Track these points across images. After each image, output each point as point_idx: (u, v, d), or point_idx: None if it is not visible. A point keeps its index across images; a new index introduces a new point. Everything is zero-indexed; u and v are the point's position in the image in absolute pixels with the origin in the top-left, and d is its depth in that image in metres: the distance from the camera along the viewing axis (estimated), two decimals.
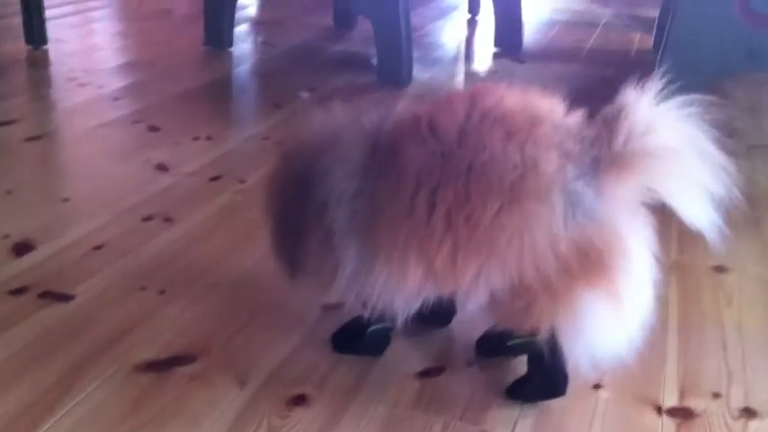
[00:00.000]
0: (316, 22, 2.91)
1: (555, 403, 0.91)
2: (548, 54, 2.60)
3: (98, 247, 1.23)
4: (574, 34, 2.92)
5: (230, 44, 2.46)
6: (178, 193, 1.43)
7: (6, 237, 1.24)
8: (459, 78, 2.31)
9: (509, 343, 0.92)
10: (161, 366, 0.95)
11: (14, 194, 1.40)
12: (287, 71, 2.27)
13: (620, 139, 0.78)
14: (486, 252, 0.78)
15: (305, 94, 2.06)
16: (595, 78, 2.27)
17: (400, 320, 0.85)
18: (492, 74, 2.33)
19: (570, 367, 0.86)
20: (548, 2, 3.49)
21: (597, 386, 0.95)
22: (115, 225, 1.30)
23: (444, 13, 3.19)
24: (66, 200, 1.38)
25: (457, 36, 2.84)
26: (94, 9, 3.03)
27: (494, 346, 0.96)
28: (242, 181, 1.50)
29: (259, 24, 2.90)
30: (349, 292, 0.86)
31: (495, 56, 2.55)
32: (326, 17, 2.90)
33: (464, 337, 1.02)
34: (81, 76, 2.10)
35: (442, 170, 0.79)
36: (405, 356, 0.99)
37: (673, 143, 0.79)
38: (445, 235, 0.78)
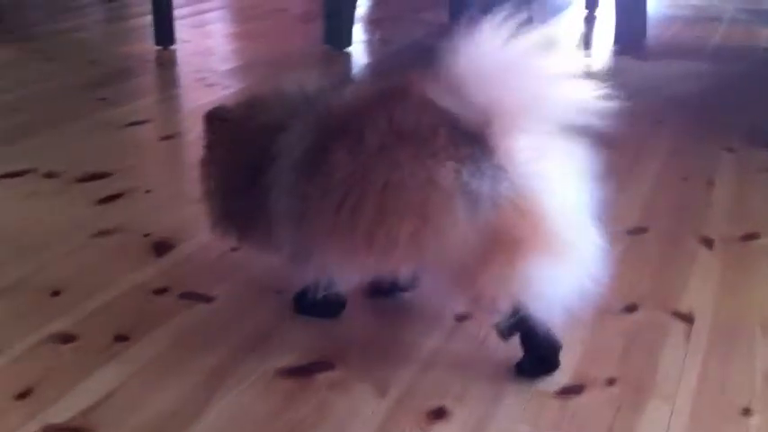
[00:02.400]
0: (431, 18, 2.91)
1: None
2: (670, 51, 2.52)
3: (235, 249, 1.26)
4: (696, 30, 2.82)
5: (349, 43, 2.48)
6: None
7: (147, 235, 1.29)
8: None
9: (496, 324, 0.95)
10: (301, 372, 0.97)
11: (153, 194, 1.46)
12: (406, 69, 2.27)
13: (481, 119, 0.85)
14: (409, 259, 0.89)
15: None
16: (725, 77, 2.18)
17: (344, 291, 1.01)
18: (612, 72, 2.28)
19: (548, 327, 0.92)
20: None
21: (746, 411, 0.91)
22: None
23: (559, 9, 3.14)
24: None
25: (574, 33, 2.79)
26: (210, 10, 3.11)
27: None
28: None
29: (374, 22, 2.92)
30: (290, 266, 0.99)
31: (615, 53, 2.49)
32: (441, 13, 2.89)
33: (601, 351, 1.01)
34: (208, 76, 2.16)
35: (363, 182, 0.87)
36: None
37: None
38: (370, 248, 0.87)
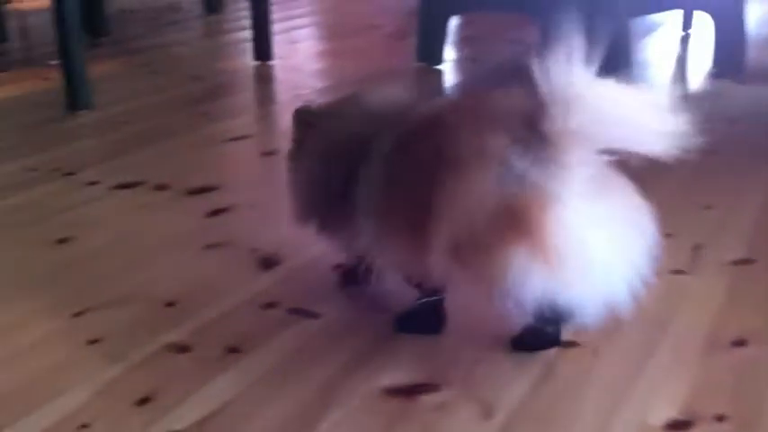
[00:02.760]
0: (521, 37, 2.91)
1: None
2: None
3: (337, 267, 1.29)
4: None
5: (441, 61, 2.51)
6: None
7: (254, 251, 1.34)
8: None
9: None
10: (407, 393, 0.99)
11: (258, 209, 1.50)
12: (496, 88, 2.29)
13: (553, 118, 0.88)
14: (440, 214, 0.93)
15: None
16: None
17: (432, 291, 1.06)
18: (709, 97, 2.24)
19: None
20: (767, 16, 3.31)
21: None
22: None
23: (651, 29, 3.10)
24: None
25: (669, 54, 2.75)
26: (302, 26, 3.18)
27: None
28: None
29: (464, 40, 2.93)
30: (367, 259, 1.05)
31: (713, 76, 2.45)
32: (531, 33, 2.88)
33: (710, 386, 1.00)
34: (305, 92, 2.21)
35: (433, 176, 0.94)
36: (643, 403, 0.97)
37: (593, 97, 0.89)
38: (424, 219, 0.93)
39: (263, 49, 2.47)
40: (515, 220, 0.89)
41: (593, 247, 0.90)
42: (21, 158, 1.70)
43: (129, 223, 1.42)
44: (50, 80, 2.25)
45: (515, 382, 1.01)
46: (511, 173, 0.89)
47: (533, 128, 0.90)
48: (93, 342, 1.08)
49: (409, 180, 0.99)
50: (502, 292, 0.92)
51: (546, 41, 2.84)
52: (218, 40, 2.89)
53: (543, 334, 1.05)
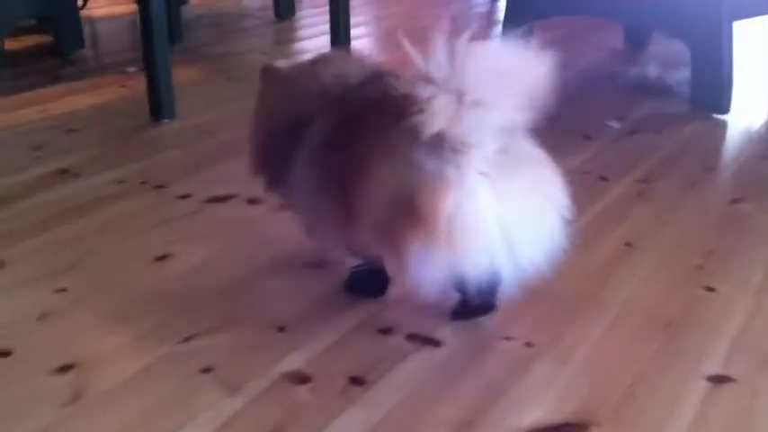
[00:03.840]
0: (603, 42, 2.81)
1: None
2: None
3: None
4: None
5: None
6: None
7: None
8: None
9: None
10: None
11: None
12: (584, 96, 2.20)
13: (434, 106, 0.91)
14: (354, 209, 0.99)
15: (615, 124, 1.97)
16: None
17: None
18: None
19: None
20: None
21: None
22: None
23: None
24: None
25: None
26: (360, 36, 3.11)
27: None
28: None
29: (548, 45, 2.83)
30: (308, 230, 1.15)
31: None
32: (613, 37, 2.78)
33: None
34: None
35: (353, 162, 0.99)
36: None
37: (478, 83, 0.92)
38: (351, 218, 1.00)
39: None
40: (410, 209, 0.93)
41: (498, 223, 0.94)
42: (107, 170, 1.65)
43: (226, 239, 1.36)
44: (129, 88, 2.21)
45: (667, 424, 0.92)
46: (409, 164, 0.94)
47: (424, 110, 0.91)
48: (207, 371, 1.02)
49: (336, 163, 1.02)
50: (413, 273, 0.97)
51: (630, 44, 2.76)
52: (292, 46, 2.84)
53: (472, 305, 1.09)
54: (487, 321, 1.12)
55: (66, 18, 2.55)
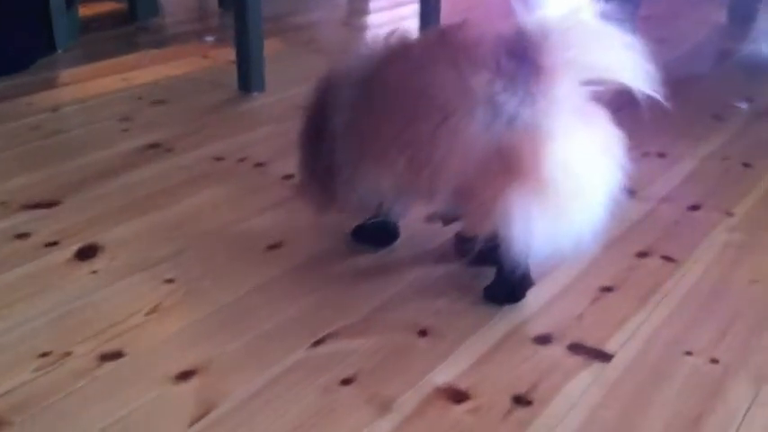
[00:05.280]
0: (705, 17, 2.62)
1: None
2: None
3: (606, 289, 1.07)
4: None
5: None
6: (662, 225, 1.25)
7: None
8: None
9: (478, 248, 0.97)
10: None
11: None
12: (701, 74, 2.02)
13: (539, 46, 0.88)
14: (430, 163, 0.91)
15: (743, 105, 1.80)
16: None
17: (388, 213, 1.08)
18: None
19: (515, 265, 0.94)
20: None
21: None
22: (609, 262, 1.13)
23: None
24: None
25: None
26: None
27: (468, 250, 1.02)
28: (729, 213, 1.29)
29: (647, 19, 2.65)
30: (344, 194, 1.05)
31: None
32: (716, 12, 2.59)
33: None
34: None
35: (401, 92, 0.95)
36: None
37: (585, 30, 0.90)
38: (401, 151, 0.94)
39: (431, 24, 2.25)
40: (509, 163, 0.88)
41: (585, 180, 0.90)
42: (202, 146, 1.52)
43: (342, 226, 1.22)
44: (211, 58, 2.08)
45: None
46: (498, 113, 0.88)
47: (518, 59, 0.89)
48: (348, 382, 0.88)
49: (383, 111, 0.97)
50: (509, 230, 0.90)
51: (734, 20, 2.56)
52: (372, 16, 2.69)
53: (512, 281, 1.00)
54: (655, 330, 0.97)
55: None
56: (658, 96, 0.89)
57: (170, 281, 1.08)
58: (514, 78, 0.89)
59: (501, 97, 0.88)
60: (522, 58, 0.89)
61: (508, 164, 0.88)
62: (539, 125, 0.88)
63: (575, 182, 0.89)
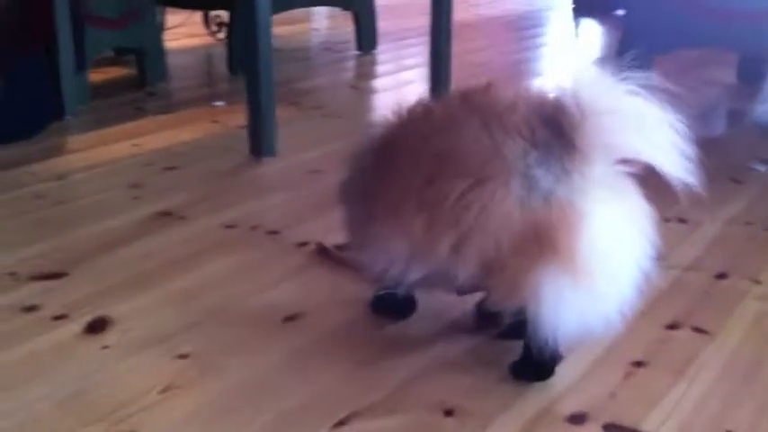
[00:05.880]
0: (717, 77, 2.62)
1: None
2: None
3: (638, 363, 1.03)
4: None
5: None
6: (690, 295, 1.21)
7: None
8: None
9: (505, 322, 0.98)
10: None
11: None
12: (717, 137, 2.00)
13: (577, 126, 0.86)
14: (455, 228, 0.87)
15: (761, 167, 1.77)
16: None
17: (401, 287, 0.99)
18: None
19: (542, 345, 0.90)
20: None
21: None
22: (639, 335, 1.09)
23: None
24: None
25: None
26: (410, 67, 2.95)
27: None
28: (757, 281, 1.25)
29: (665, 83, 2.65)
30: (362, 259, 1.01)
31: None
32: (725, 72, 2.59)
33: None
34: None
35: (421, 151, 0.92)
36: None
37: (624, 111, 0.87)
38: (419, 210, 0.90)
39: (441, 87, 2.25)
40: (544, 240, 0.85)
41: (617, 259, 0.88)
42: (214, 213, 1.49)
43: (360, 297, 1.18)
44: (221, 123, 2.07)
45: None
46: (535, 187, 0.86)
47: (554, 131, 0.87)
48: None
49: (400, 170, 0.94)
50: (535, 313, 0.88)
51: (743, 80, 2.56)
52: (381, 80, 2.69)
53: (539, 360, 0.95)
54: (693, 408, 0.92)
55: (152, 50, 2.43)
56: (693, 181, 0.88)
57: (184, 356, 1.04)
58: (550, 150, 0.87)
59: (537, 171, 0.86)
60: (559, 131, 0.87)
61: (542, 240, 0.85)
62: (574, 203, 0.86)
63: (607, 262, 0.87)
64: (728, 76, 2.59)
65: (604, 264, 0.87)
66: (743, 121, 2.17)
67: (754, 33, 1.96)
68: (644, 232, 0.90)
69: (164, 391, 0.97)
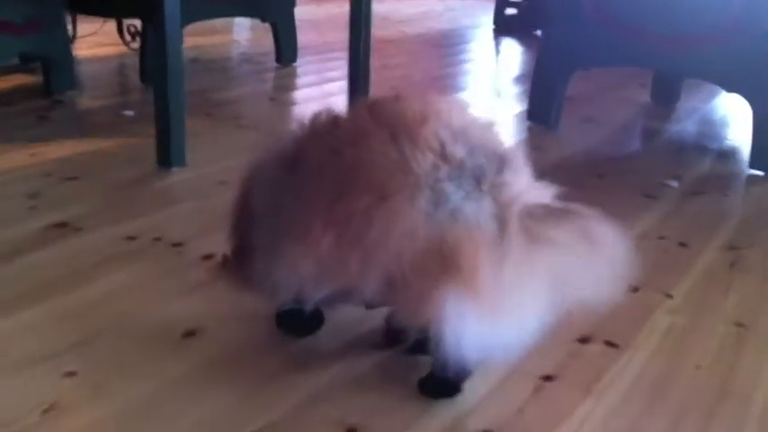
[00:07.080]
0: (630, 96, 2.66)
1: None
2: None
3: (547, 378, 1.00)
4: None
5: (557, 123, 2.24)
6: (602, 308, 1.19)
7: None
8: None
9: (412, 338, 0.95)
10: None
11: None
12: (630, 153, 2.02)
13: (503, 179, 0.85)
14: (360, 246, 0.84)
15: (674, 183, 1.79)
16: None
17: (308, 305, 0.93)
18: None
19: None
20: None
21: None
22: (549, 348, 1.06)
23: None
24: None
25: None
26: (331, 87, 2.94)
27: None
28: (668, 295, 1.25)
29: (573, 99, 2.68)
30: (263, 279, 0.94)
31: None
32: (640, 92, 2.64)
33: None
34: None
35: (329, 166, 0.88)
36: None
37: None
38: (326, 229, 0.85)
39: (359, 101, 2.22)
40: (448, 259, 0.81)
41: (524, 291, 0.83)
42: (114, 225, 1.42)
43: (266, 312, 1.12)
44: (129, 133, 1.99)
45: None
46: (442, 202, 0.83)
47: (470, 148, 0.85)
48: None
49: (306, 188, 0.90)
50: (438, 332, 0.83)
51: (658, 99, 2.60)
52: (300, 92, 2.65)
53: (446, 377, 0.92)
54: (602, 422, 0.90)
55: (60, 57, 2.34)
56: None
57: (71, 374, 0.97)
58: (462, 168, 0.84)
59: (446, 185, 0.83)
60: (477, 149, 0.85)
61: (447, 259, 0.82)
62: (482, 223, 0.82)
63: (512, 292, 0.84)
64: (643, 95, 2.64)
65: (509, 293, 0.83)
66: (656, 140, 2.20)
67: (670, 53, 1.99)
68: (557, 275, 0.85)
69: (46, 411, 0.90)
